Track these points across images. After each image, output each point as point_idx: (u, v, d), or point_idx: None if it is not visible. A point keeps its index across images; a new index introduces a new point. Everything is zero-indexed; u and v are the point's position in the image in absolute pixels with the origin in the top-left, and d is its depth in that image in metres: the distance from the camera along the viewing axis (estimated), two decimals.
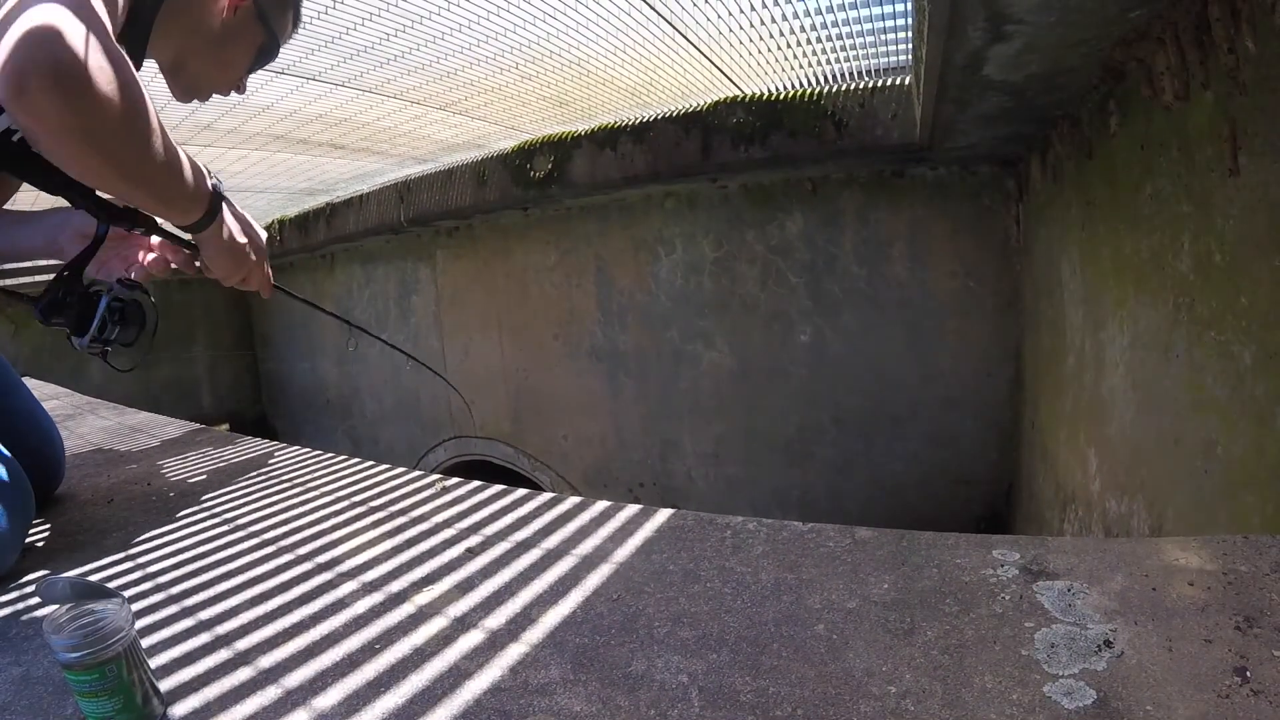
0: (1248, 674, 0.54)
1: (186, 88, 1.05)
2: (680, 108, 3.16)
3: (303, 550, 1.00)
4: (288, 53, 2.15)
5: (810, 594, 0.75)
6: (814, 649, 0.65)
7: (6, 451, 1.05)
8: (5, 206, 1.04)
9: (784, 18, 2.10)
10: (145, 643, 0.77)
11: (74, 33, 0.66)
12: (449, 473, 1.56)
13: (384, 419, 5.76)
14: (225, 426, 6.64)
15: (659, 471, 4.09)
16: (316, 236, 5.30)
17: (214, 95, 1.08)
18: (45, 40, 0.64)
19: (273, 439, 1.74)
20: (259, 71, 1.17)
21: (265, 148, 3.35)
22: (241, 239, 1.03)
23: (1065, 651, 0.60)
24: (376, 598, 0.84)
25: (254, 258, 1.07)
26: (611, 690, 0.62)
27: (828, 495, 3.53)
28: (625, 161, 3.35)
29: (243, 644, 0.75)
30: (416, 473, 1.31)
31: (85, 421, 2.16)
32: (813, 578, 0.78)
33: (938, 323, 3.13)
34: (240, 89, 1.10)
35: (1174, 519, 1.33)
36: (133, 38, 0.87)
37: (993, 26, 1.31)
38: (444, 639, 0.73)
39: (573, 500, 1.10)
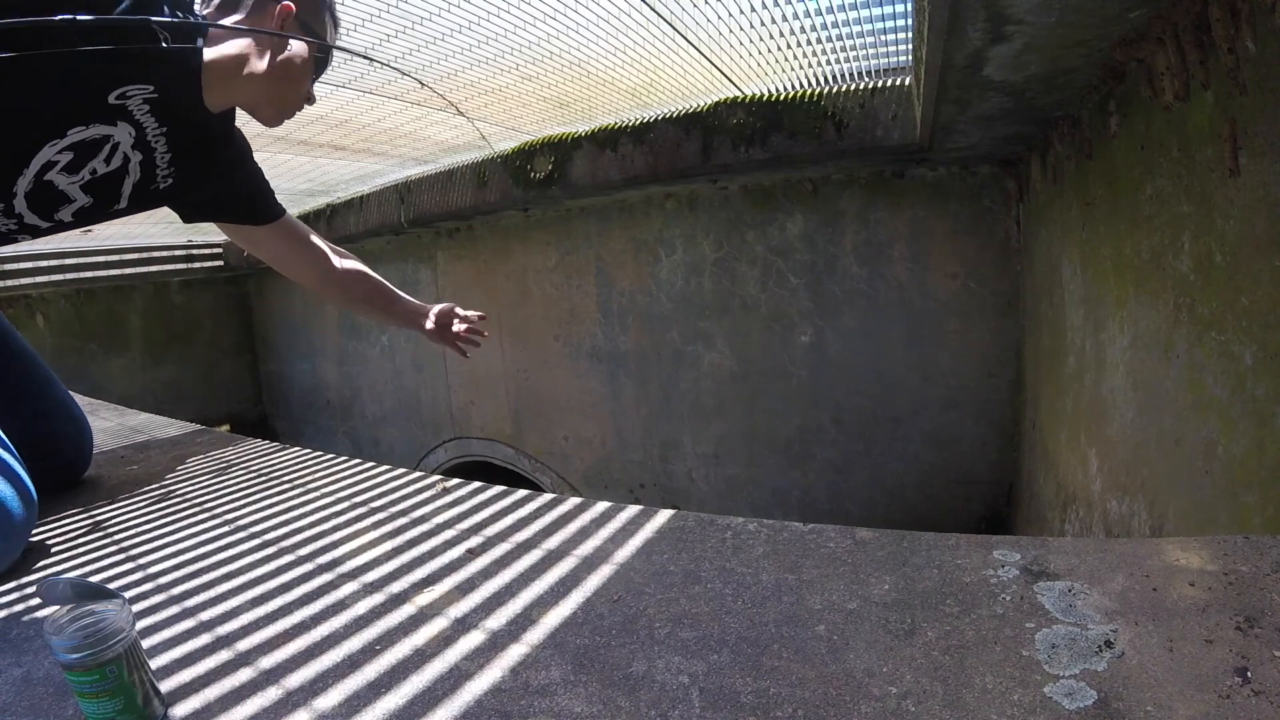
0: (1249, 674, 0.54)
1: (273, 116, 1.16)
2: (680, 109, 3.16)
3: (303, 551, 1.00)
4: None
5: (811, 595, 0.75)
6: (815, 650, 0.65)
7: (7, 453, 1.05)
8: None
9: (784, 18, 2.10)
10: (146, 643, 0.77)
11: None
12: (449, 474, 1.55)
13: (384, 420, 5.76)
14: (226, 427, 6.64)
15: (659, 472, 4.09)
16: None
17: (297, 111, 1.19)
18: None
19: (273, 440, 1.74)
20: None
21: (266, 149, 3.35)
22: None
23: (1066, 652, 0.60)
24: (377, 598, 0.84)
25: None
26: (612, 691, 0.62)
27: (828, 496, 3.53)
28: (625, 162, 3.35)
29: (243, 645, 0.76)
30: (417, 474, 1.32)
31: None
32: (813, 579, 0.78)
33: (938, 323, 3.12)
34: (311, 100, 1.19)
35: (1175, 519, 1.33)
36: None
37: (993, 27, 1.31)
38: (444, 640, 0.73)
39: (573, 501, 1.10)
